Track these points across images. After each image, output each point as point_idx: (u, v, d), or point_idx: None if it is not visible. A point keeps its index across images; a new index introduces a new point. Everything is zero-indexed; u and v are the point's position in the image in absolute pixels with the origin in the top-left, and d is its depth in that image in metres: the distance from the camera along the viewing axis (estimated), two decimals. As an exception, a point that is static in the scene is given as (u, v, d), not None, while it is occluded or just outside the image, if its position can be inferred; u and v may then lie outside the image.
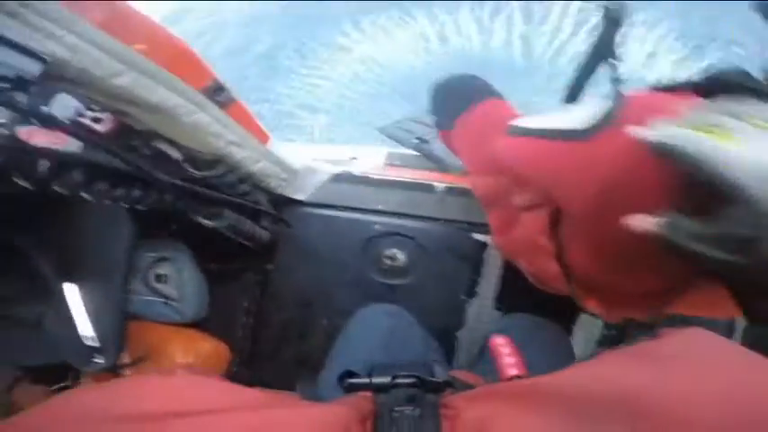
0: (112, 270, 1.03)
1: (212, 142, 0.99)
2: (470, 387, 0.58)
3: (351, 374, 0.61)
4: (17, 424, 0.34)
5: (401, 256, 1.28)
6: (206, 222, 1.06)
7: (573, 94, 1.25)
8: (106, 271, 1.04)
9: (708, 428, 0.30)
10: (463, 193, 1.28)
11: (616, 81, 1.13)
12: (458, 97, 1.07)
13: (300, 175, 1.26)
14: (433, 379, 0.55)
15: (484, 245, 1.26)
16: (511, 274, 1.23)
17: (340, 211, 1.30)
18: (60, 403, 0.37)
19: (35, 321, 1.05)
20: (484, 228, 1.24)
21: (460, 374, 0.67)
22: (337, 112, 3.60)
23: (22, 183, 0.80)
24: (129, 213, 1.01)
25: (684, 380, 0.34)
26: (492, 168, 0.91)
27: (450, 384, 0.56)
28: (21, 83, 0.65)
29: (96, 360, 1.02)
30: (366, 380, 0.57)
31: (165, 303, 1.23)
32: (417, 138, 1.45)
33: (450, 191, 1.29)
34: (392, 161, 1.43)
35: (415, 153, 1.45)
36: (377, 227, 1.28)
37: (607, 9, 1.05)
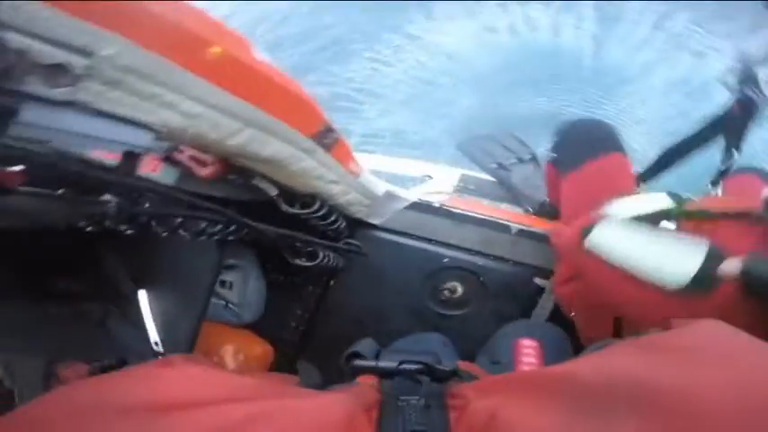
0: (195, 289, 0.85)
1: (313, 183, 0.78)
2: (476, 378, 0.51)
3: (357, 356, 0.53)
4: (21, 415, 0.30)
5: (460, 289, 1.10)
6: (301, 263, 0.87)
7: (671, 159, 1.04)
8: (188, 288, 0.86)
9: (721, 420, 0.25)
10: (535, 236, 1.08)
11: (724, 172, 0.93)
12: (582, 144, 0.92)
13: (380, 201, 1.04)
14: (440, 367, 0.47)
15: (542, 290, 1.08)
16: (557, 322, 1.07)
17: (412, 239, 1.10)
18: (61, 395, 0.32)
19: (100, 320, 0.89)
20: (546, 273, 1.06)
21: (465, 365, 0.59)
22: (393, 98, 3.19)
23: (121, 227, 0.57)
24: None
25: (698, 371, 0.29)
26: None
27: (456, 374, 0.48)
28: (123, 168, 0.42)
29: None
30: (372, 363, 0.49)
31: (226, 306, 1.07)
32: (497, 163, 1.21)
33: (523, 233, 1.08)
34: (467, 184, 1.19)
35: (490, 178, 1.21)
36: (446, 260, 1.08)
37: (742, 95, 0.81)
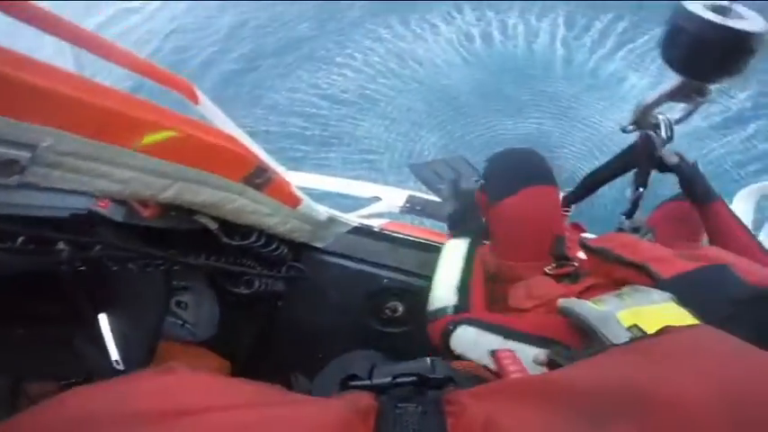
0: (148, 312, 0.95)
1: (249, 218, 0.89)
2: (474, 378, 0.52)
3: (352, 377, 0.53)
4: (23, 423, 0.31)
5: (401, 308, 1.21)
6: (238, 290, 0.96)
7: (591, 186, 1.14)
8: (142, 311, 0.96)
9: (715, 426, 0.26)
10: None
11: (634, 204, 1.03)
12: (507, 176, 0.97)
13: (323, 225, 1.16)
14: (434, 376, 0.48)
15: None
16: None
17: (354, 261, 1.21)
18: (63, 402, 0.32)
19: (65, 341, 0.98)
20: None
21: (460, 365, 0.61)
22: (354, 104, 3.29)
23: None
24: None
25: (692, 377, 0.30)
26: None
27: (451, 380, 0.49)
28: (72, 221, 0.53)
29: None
30: (366, 381, 0.49)
31: (182, 326, 1.16)
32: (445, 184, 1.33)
33: None
34: (414, 204, 1.31)
35: (436, 199, 1.32)
36: (386, 281, 1.19)
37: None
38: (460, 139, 2.92)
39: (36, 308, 0.96)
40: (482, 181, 1.06)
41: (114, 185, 0.57)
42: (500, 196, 0.95)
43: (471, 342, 0.71)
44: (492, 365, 0.61)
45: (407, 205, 1.32)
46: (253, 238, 0.95)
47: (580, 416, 0.31)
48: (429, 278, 1.18)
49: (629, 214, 1.05)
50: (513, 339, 0.65)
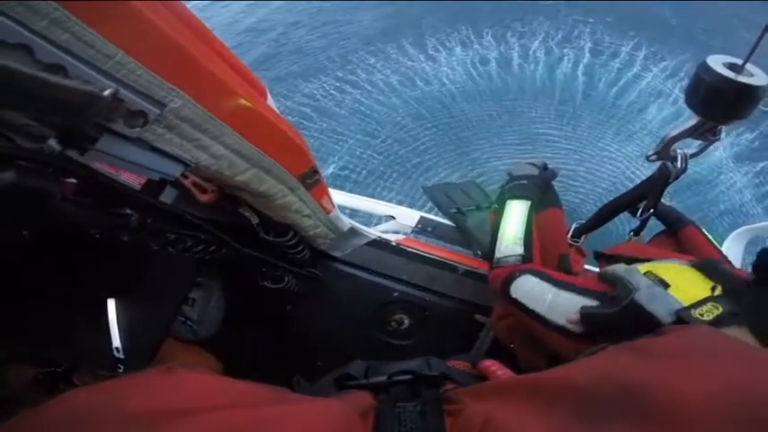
0: (165, 302, 0.89)
1: (291, 216, 0.89)
2: (469, 375, 0.52)
3: (348, 377, 0.53)
4: (24, 422, 0.30)
5: (407, 321, 1.22)
6: (268, 284, 0.94)
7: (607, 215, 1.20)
8: (158, 301, 0.90)
9: (712, 425, 0.26)
10: (480, 277, 1.22)
11: (643, 224, 1.10)
12: (519, 191, 1.02)
13: (344, 236, 1.16)
14: (430, 373, 0.48)
15: (482, 326, 1.22)
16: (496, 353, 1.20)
17: (367, 272, 1.22)
18: (61, 403, 0.32)
19: (60, 322, 0.90)
20: (487, 311, 1.19)
21: (456, 364, 0.61)
22: (345, 120, 3.33)
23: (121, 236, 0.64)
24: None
25: (688, 377, 0.30)
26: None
27: (447, 377, 0.49)
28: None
29: (120, 370, 0.90)
30: (363, 381, 0.49)
31: (183, 322, 1.10)
32: (456, 208, 1.36)
33: (469, 273, 1.23)
34: (425, 226, 1.34)
35: (447, 222, 1.36)
36: (396, 294, 1.20)
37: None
38: (443, 159, 3.01)
39: (39, 281, 0.87)
40: (495, 206, 1.12)
41: (209, 159, 0.56)
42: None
43: (531, 290, 0.76)
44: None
45: (419, 226, 1.35)
46: (288, 237, 0.93)
47: (578, 414, 0.31)
48: (438, 293, 1.22)
49: (637, 232, 1.13)
50: (567, 290, 0.71)
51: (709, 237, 1.02)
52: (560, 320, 0.70)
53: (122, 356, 0.89)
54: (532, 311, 0.74)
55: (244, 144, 0.61)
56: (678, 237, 1.05)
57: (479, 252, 1.33)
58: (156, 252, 0.74)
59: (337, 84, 3.65)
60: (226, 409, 0.33)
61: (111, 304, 0.91)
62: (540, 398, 0.34)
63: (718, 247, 1.00)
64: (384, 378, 0.47)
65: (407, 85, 3.66)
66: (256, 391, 0.39)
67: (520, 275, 0.80)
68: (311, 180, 0.87)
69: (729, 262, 0.93)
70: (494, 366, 0.58)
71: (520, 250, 0.88)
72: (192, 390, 0.35)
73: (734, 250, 1.30)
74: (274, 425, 0.33)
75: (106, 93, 0.36)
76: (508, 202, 0.97)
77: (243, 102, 0.57)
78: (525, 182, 1.00)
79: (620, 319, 0.58)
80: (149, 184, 0.60)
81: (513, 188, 1.00)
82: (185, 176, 0.74)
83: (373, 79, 3.70)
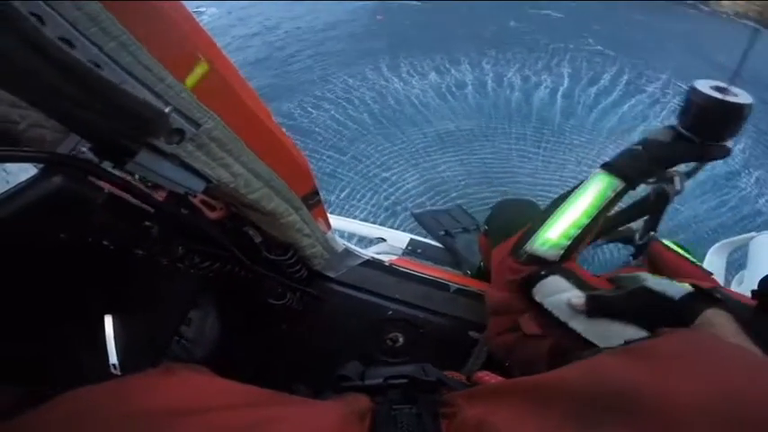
0: (165, 319, 0.90)
1: (293, 235, 0.92)
2: (464, 385, 0.52)
3: (343, 378, 0.53)
4: (27, 420, 0.30)
5: (402, 339, 1.24)
6: (271, 301, 0.96)
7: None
8: (158, 318, 0.91)
9: (704, 427, 0.27)
10: (471, 295, 1.27)
11: (643, 246, 1.12)
12: (507, 221, 1.06)
13: (338, 256, 1.19)
14: (426, 378, 0.48)
15: (476, 342, 1.25)
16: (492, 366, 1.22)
17: (362, 292, 1.24)
18: (67, 401, 0.32)
19: (64, 341, 0.88)
20: (480, 327, 1.22)
21: (451, 374, 0.61)
22: (318, 136, 3.42)
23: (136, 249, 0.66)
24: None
25: (684, 379, 0.30)
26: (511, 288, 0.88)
27: (443, 383, 0.49)
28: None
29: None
30: (358, 382, 0.50)
31: (178, 341, 1.09)
32: (445, 230, 1.42)
33: (461, 291, 1.28)
34: (415, 248, 1.38)
35: (437, 244, 1.41)
36: (390, 313, 1.23)
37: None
38: (396, 180, 3.12)
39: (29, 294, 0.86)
40: (485, 227, 1.20)
41: (229, 177, 0.61)
42: (502, 238, 1.04)
43: (554, 290, 0.72)
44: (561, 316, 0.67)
45: (409, 248, 1.40)
46: (288, 255, 0.96)
47: (572, 415, 0.31)
48: (432, 311, 1.25)
49: (636, 255, 1.16)
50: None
51: (679, 251, 1.06)
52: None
53: (120, 374, 0.88)
54: (556, 319, 0.69)
55: (259, 164, 0.66)
56: (647, 253, 1.09)
57: (469, 271, 1.39)
58: (161, 267, 0.76)
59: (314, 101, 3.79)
60: (225, 410, 0.34)
61: (109, 320, 0.90)
62: (535, 400, 0.35)
63: (692, 259, 1.04)
64: (380, 380, 0.48)
65: (379, 102, 3.83)
66: (256, 393, 0.40)
67: (547, 276, 0.74)
68: (313, 201, 0.92)
69: (707, 271, 0.97)
70: (488, 377, 0.59)
71: (560, 252, 0.76)
72: (192, 390, 0.36)
73: (716, 264, 1.37)
74: (273, 425, 0.33)
75: (167, 110, 0.40)
76: (595, 174, 0.82)
77: (262, 124, 0.62)
78: (641, 150, 0.83)
79: (628, 304, 0.58)
80: (168, 200, 0.64)
81: (617, 158, 0.83)
82: (194, 195, 0.77)
83: (350, 97, 3.86)
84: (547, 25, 5.60)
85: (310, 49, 4.52)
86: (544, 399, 0.34)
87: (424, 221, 1.46)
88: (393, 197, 2.84)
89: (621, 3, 6.89)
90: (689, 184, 0.94)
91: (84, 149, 0.44)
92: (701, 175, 0.99)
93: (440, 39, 4.73)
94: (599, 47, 4.95)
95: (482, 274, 1.37)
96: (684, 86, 0.94)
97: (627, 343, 0.39)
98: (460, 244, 1.35)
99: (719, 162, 1.13)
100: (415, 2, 5.74)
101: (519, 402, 0.36)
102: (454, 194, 2.81)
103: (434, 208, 1.52)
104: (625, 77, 4.45)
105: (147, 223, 0.59)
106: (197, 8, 5.01)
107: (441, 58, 4.33)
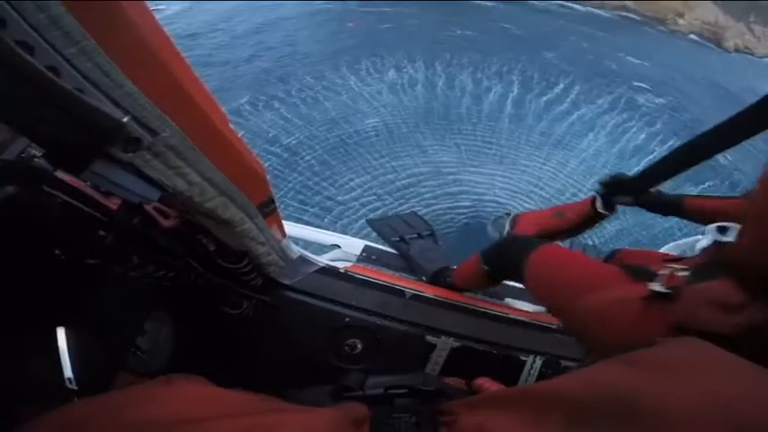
0: (121, 331, 0.86)
1: (247, 243, 0.93)
2: (463, 393, 0.52)
3: (345, 388, 0.53)
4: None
5: (359, 346, 1.26)
6: (228, 311, 0.95)
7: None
8: (114, 329, 0.87)
9: None
10: (427, 300, 1.31)
11: None
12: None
13: (293, 263, 1.19)
14: (426, 388, 0.49)
15: (433, 346, 1.28)
16: (450, 370, 1.26)
17: (318, 299, 1.25)
18: (65, 411, 0.33)
19: (16, 353, 0.82)
20: (437, 332, 1.27)
21: (451, 381, 0.61)
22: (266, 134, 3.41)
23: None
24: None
25: (679, 387, 0.30)
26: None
27: (443, 393, 0.50)
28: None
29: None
30: (359, 392, 0.51)
31: (134, 353, 1.04)
32: (399, 236, 1.45)
33: (417, 297, 1.31)
34: (369, 254, 1.41)
35: (391, 251, 1.44)
36: (347, 319, 1.25)
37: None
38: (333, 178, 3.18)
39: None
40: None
41: (185, 185, 0.61)
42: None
43: None
44: None
45: (364, 254, 1.43)
46: (243, 263, 0.96)
47: (570, 423, 0.31)
48: (389, 317, 1.27)
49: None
50: None
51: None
52: None
53: (75, 388, 0.83)
54: None
55: (215, 172, 0.66)
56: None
57: (424, 277, 1.43)
58: (115, 278, 0.73)
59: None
60: (222, 419, 0.34)
61: (62, 332, 0.85)
62: (533, 407, 0.35)
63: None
64: (381, 391, 0.49)
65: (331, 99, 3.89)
66: (252, 401, 0.40)
67: None
68: (268, 209, 0.93)
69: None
70: (487, 383, 0.60)
71: None
72: (189, 399, 0.36)
73: None
74: (274, 431, 0.34)
75: (125, 119, 0.40)
76: None
77: (219, 132, 0.62)
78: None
79: None
80: (122, 208, 0.62)
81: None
82: (148, 203, 0.75)
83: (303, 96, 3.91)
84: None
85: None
86: (541, 406, 0.35)
87: (378, 228, 1.50)
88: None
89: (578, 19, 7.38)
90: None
91: (34, 153, 0.42)
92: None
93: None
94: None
95: (440, 280, 1.40)
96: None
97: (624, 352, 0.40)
98: (415, 250, 1.40)
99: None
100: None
101: (516, 410, 0.36)
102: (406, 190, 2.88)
103: (388, 215, 1.54)
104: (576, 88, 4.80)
105: (101, 232, 0.57)
106: (156, 6, 4.81)
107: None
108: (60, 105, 0.35)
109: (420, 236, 1.47)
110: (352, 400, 0.50)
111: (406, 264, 1.40)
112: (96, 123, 0.37)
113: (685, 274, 0.68)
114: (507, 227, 1.30)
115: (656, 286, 0.67)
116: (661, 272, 0.70)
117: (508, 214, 1.34)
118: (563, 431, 0.31)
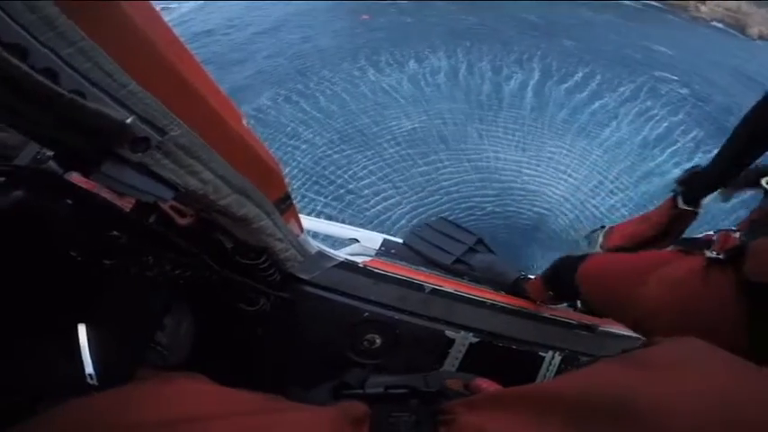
0: (139, 327, 0.88)
1: (265, 239, 0.92)
2: (463, 394, 0.52)
3: (345, 385, 0.54)
4: (29, 429, 0.31)
5: (378, 341, 1.25)
6: (245, 308, 0.95)
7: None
8: (132, 325, 0.88)
9: None
10: (446, 295, 1.29)
11: None
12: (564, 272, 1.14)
13: (312, 258, 1.19)
14: (426, 389, 0.49)
15: (452, 341, 1.27)
16: (469, 365, 1.25)
17: (337, 294, 1.25)
18: (70, 410, 0.32)
19: (38, 351, 0.85)
20: (456, 327, 1.26)
21: (451, 383, 0.61)
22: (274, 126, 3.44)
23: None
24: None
25: (678, 386, 0.31)
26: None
27: (443, 394, 0.50)
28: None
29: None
30: (359, 390, 0.51)
31: (153, 347, 1.06)
32: (455, 257, 1.45)
33: (436, 291, 1.30)
34: (388, 248, 1.40)
35: (410, 244, 1.43)
36: (366, 314, 1.24)
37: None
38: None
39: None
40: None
41: (198, 183, 0.60)
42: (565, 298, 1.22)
43: None
44: None
45: (383, 249, 1.41)
46: (261, 260, 0.96)
47: (569, 423, 0.32)
48: (408, 312, 1.27)
49: None
50: None
51: None
52: None
53: (96, 383, 0.85)
54: None
55: (229, 170, 0.66)
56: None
57: (503, 291, 1.41)
58: (132, 276, 0.74)
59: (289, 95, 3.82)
60: (223, 418, 0.34)
61: (83, 329, 0.87)
62: (532, 408, 0.35)
63: None
64: (381, 390, 0.50)
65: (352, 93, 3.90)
66: (254, 400, 0.41)
67: None
68: (284, 205, 0.92)
69: None
70: (485, 384, 0.59)
71: None
72: (192, 398, 0.36)
73: None
74: (275, 429, 0.35)
75: (128, 121, 0.40)
76: None
77: (230, 129, 0.62)
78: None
79: None
80: (136, 207, 0.62)
81: None
82: (164, 202, 0.76)
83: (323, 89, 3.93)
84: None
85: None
86: (541, 406, 0.35)
87: (420, 249, 1.46)
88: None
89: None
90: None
91: (50, 154, 0.43)
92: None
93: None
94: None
95: (519, 289, 1.40)
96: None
97: (624, 351, 0.39)
98: (480, 268, 1.38)
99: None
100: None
101: (516, 410, 0.37)
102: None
103: (417, 227, 1.49)
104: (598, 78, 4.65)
105: (114, 233, 0.58)
106: (167, 5, 4.93)
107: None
108: (57, 112, 0.34)
109: (472, 249, 1.44)
110: (353, 398, 0.49)
111: (424, 259, 1.39)
112: (97, 125, 0.36)
113: (737, 235, 0.71)
114: (601, 239, 1.29)
115: (712, 253, 0.71)
116: (714, 238, 0.74)
117: (603, 227, 1.32)
118: (564, 431, 0.32)
